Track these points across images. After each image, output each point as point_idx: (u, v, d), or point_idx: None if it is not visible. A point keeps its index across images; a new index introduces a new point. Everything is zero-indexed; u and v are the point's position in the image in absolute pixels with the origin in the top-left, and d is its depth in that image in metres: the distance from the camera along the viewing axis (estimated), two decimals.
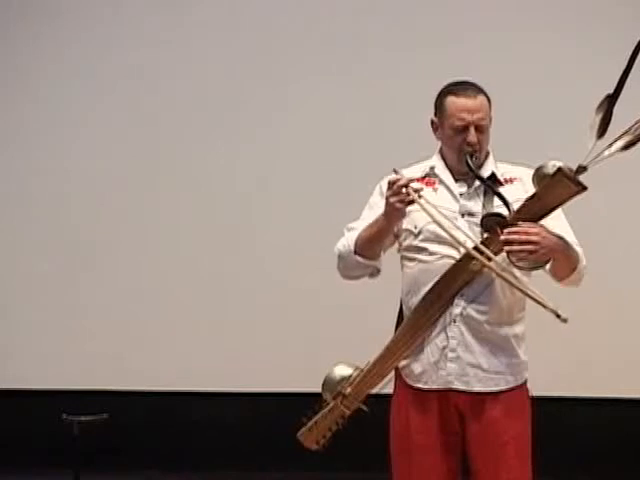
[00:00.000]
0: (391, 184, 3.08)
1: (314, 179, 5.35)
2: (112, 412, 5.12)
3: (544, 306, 2.95)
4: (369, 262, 3.23)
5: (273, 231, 5.39)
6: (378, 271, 3.27)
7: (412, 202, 3.06)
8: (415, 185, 3.08)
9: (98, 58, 5.53)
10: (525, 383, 3.27)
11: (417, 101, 5.01)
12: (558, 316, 2.92)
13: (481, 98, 3.17)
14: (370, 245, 3.20)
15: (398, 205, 3.07)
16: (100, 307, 5.46)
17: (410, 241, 3.22)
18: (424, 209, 3.07)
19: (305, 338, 5.24)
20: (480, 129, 3.16)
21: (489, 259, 3.03)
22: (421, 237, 3.19)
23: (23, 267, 5.54)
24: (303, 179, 5.38)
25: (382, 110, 5.28)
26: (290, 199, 5.38)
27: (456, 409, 3.20)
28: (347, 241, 3.25)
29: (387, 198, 3.08)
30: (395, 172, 3.12)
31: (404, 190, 3.05)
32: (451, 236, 3.06)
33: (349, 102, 5.34)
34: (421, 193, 3.07)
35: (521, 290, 3.03)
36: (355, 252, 3.22)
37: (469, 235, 3.08)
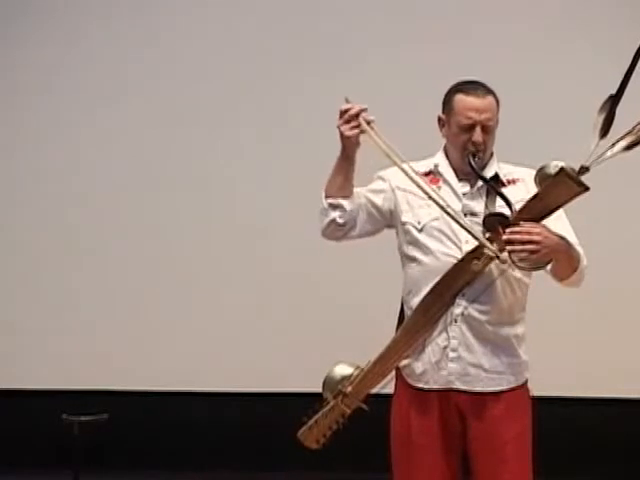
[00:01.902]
0: (342, 112, 3.09)
1: (314, 178, 5.34)
2: (112, 412, 5.12)
3: (486, 247, 2.99)
4: (336, 201, 3.21)
5: (273, 231, 5.38)
6: (345, 211, 3.22)
7: (363, 131, 3.07)
8: (367, 116, 3.09)
9: (97, 59, 5.52)
10: (526, 383, 3.27)
11: (418, 100, 5.07)
12: (497, 257, 2.98)
13: (490, 99, 3.18)
14: (334, 181, 3.21)
15: (348, 133, 3.09)
16: (100, 307, 5.46)
17: (412, 235, 3.21)
18: (374, 140, 3.07)
19: (305, 338, 5.24)
20: (486, 129, 3.16)
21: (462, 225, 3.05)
22: (424, 233, 3.19)
23: (23, 267, 5.54)
24: (303, 178, 5.36)
25: (382, 109, 5.28)
26: (289, 199, 5.38)
27: (457, 409, 3.20)
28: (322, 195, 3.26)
29: (338, 127, 3.10)
30: (347, 101, 3.12)
31: (355, 119, 3.07)
32: (417, 185, 3.07)
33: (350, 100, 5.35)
34: (372, 125, 3.08)
35: (460, 224, 3.04)
36: (325, 195, 3.23)
37: (449, 204, 3.09)
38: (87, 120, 5.52)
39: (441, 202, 3.07)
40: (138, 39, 5.52)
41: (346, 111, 3.09)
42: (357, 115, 3.08)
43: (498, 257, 3.01)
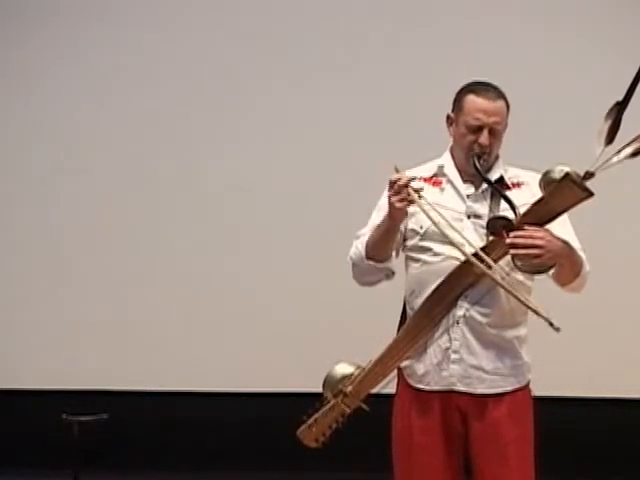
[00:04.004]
0: (392, 183, 3.07)
1: (316, 180, 5.35)
2: (112, 412, 5.13)
3: (538, 314, 2.96)
4: (381, 265, 3.23)
5: (274, 231, 5.38)
6: (392, 273, 3.26)
7: (413, 202, 3.06)
8: (416, 184, 3.07)
9: (94, 58, 5.51)
10: (528, 384, 3.28)
11: (423, 101, 5.08)
12: (551, 325, 2.93)
13: (501, 103, 3.18)
14: (379, 247, 3.20)
15: (398, 205, 3.06)
16: (100, 307, 5.45)
17: (415, 241, 3.22)
18: (423, 210, 3.07)
19: (306, 338, 5.23)
20: (494, 133, 3.16)
21: (489, 266, 3.02)
22: (426, 237, 3.19)
23: (22, 267, 5.53)
24: (305, 180, 5.37)
25: (387, 110, 5.29)
26: (291, 199, 5.38)
27: (458, 410, 3.20)
28: (357, 248, 3.25)
29: (388, 197, 3.08)
30: (396, 170, 3.11)
31: (404, 190, 3.04)
32: (446, 237, 3.05)
33: (355, 102, 5.34)
34: (421, 193, 3.06)
35: (518, 298, 3.01)
36: (367, 257, 3.22)
37: (467, 239, 3.07)
38: (84, 120, 5.52)
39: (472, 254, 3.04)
40: (135, 38, 5.51)
41: (395, 182, 3.06)
42: (406, 185, 3.04)
43: (539, 312, 2.96)
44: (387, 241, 3.19)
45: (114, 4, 5.52)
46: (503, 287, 3.04)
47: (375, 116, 5.30)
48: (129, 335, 5.42)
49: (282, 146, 5.41)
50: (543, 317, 2.94)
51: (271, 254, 5.38)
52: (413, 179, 3.07)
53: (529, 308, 3.01)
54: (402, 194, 3.04)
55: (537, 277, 3.15)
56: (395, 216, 3.11)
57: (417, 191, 3.06)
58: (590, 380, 5.11)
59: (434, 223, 3.06)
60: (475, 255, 3.03)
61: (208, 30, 5.45)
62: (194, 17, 5.48)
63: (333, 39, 5.38)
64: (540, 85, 5.14)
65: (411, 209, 3.19)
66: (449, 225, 3.08)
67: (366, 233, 3.27)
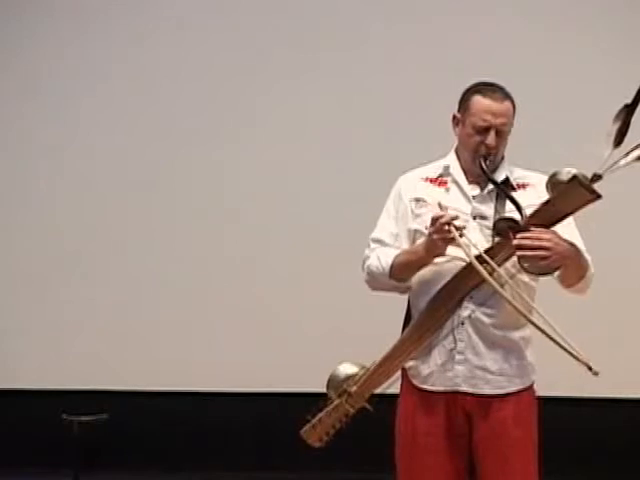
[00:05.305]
0: (434, 220, 3.06)
1: (316, 180, 5.36)
2: (112, 412, 5.13)
3: (576, 358, 2.91)
4: (403, 284, 3.24)
5: (274, 230, 5.38)
6: (409, 288, 3.26)
7: (453, 240, 3.03)
8: (458, 223, 3.03)
9: (94, 58, 5.52)
10: (532, 385, 3.28)
11: (423, 101, 5.08)
12: (590, 369, 2.91)
13: (507, 104, 3.19)
14: (406, 272, 3.20)
15: (440, 243, 3.05)
16: (100, 307, 5.45)
17: (421, 241, 3.22)
18: (464, 250, 3.02)
19: (306, 338, 5.24)
20: (500, 134, 3.17)
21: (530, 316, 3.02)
22: None
23: (22, 267, 5.53)
24: (305, 180, 5.38)
25: (387, 110, 5.29)
26: (292, 199, 5.38)
27: (463, 410, 3.21)
28: (380, 262, 3.24)
29: (430, 234, 3.07)
30: (440, 207, 3.10)
31: (446, 227, 3.01)
32: (488, 281, 3.01)
33: (355, 102, 5.34)
34: (462, 231, 3.03)
35: (555, 342, 2.95)
36: (390, 276, 3.22)
37: (487, 259, 3.05)
38: (84, 120, 5.52)
39: (493, 282, 3.02)
40: (127, 41, 5.51)
41: (437, 219, 3.04)
42: (448, 223, 3.02)
43: (580, 358, 2.91)
44: (416, 269, 3.19)
45: (114, 4, 5.52)
46: (545, 332, 2.97)
47: (376, 116, 5.30)
48: (129, 335, 5.42)
49: (282, 146, 5.41)
50: (583, 362, 2.91)
51: (271, 254, 5.38)
52: (456, 218, 3.04)
53: (567, 351, 2.93)
54: (443, 233, 3.03)
55: (541, 278, 3.16)
56: (434, 251, 3.10)
57: (459, 229, 3.03)
58: (590, 380, 5.10)
59: (474, 263, 3.01)
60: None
61: (208, 30, 5.46)
62: (194, 17, 5.48)
63: (333, 39, 5.39)
64: (540, 85, 5.14)
65: (418, 210, 3.20)
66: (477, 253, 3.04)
67: (383, 240, 3.28)
